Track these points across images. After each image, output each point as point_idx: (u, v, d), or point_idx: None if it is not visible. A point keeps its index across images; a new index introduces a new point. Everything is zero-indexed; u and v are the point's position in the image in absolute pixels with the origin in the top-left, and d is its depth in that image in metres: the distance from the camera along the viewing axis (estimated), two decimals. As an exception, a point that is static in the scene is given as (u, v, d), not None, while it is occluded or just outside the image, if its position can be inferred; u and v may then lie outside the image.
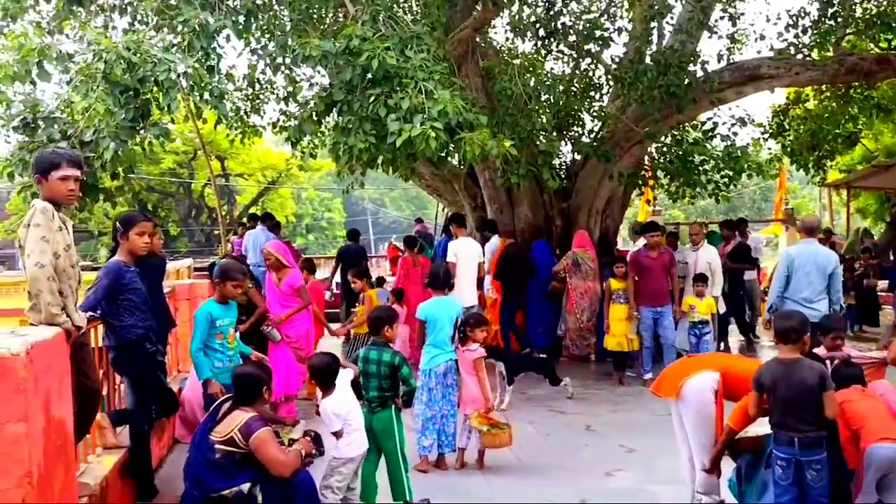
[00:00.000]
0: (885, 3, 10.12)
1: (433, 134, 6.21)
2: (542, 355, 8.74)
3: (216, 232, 26.53)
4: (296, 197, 38.81)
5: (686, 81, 9.18)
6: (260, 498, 3.82)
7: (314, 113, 7.59)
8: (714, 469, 4.37)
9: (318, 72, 10.41)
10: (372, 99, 6.64)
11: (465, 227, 9.66)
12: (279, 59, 9.41)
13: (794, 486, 3.83)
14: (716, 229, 12.80)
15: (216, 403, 4.10)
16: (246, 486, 3.80)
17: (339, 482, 4.33)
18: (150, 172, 30.09)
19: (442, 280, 6.27)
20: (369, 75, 6.68)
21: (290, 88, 10.42)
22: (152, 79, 6.14)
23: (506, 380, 7.47)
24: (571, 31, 10.23)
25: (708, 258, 9.20)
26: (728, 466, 4.46)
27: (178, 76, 6.18)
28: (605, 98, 11.15)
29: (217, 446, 3.83)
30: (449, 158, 10.19)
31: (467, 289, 8.67)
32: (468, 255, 8.78)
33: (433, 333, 5.91)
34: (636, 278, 8.68)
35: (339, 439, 4.36)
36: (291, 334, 6.77)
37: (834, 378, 3.97)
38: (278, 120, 11.75)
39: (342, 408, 4.38)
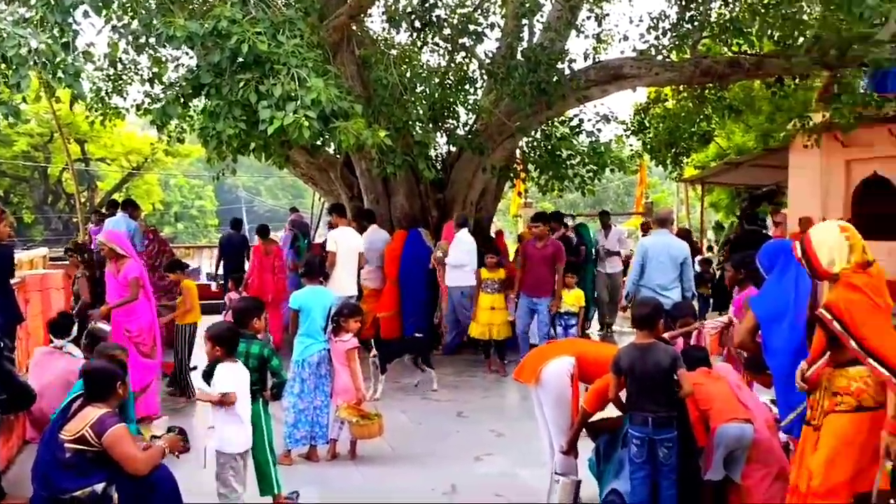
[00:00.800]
0: (737, 9, 10.80)
1: (306, 123, 6.09)
2: (417, 335, 8.78)
3: (74, 219, 24.96)
4: (163, 184, 36.99)
5: (555, 78, 9.44)
6: (116, 498, 3.64)
7: (181, 96, 7.27)
8: (571, 450, 4.57)
9: (186, 53, 10.00)
10: (242, 84, 6.40)
11: (346, 216, 9.57)
12: (143, 39, 8.93)
13: (648, 464, 4.06)
14: (583, 222, 13.34)
15: (67, 400, 3.86)
16: (100, 486, 3.61)
17: (233, 476, 4.26)
18: (2, 156, 27.91)
19: (317, 269, 6.21)
20: (239, 59, 6.46)
21: (155, 69, 9.94)
22: (0, 54, 5.69)
23: (379, 369, 7.50)
24: (446, 24, 10.32)
25: None
26: (587, 448, 4.68)
27: (30, 52, 5.75)
28: (479, 92, 11.31)
29: (67, 445, 3.62)
30: (324, 147, 10.06)
31: (347, 279, 8.61)
32: (349, 246, 8.71)
33: (306, 323, 5.84)
34: (523, 267, 8.81)
35: (218, 432, 4.27)
36: (132, 328, 6.44)
37: (683, 360, 4.23)
38: (143, 102, 11.17)
39: (231, 383, 4.28)
